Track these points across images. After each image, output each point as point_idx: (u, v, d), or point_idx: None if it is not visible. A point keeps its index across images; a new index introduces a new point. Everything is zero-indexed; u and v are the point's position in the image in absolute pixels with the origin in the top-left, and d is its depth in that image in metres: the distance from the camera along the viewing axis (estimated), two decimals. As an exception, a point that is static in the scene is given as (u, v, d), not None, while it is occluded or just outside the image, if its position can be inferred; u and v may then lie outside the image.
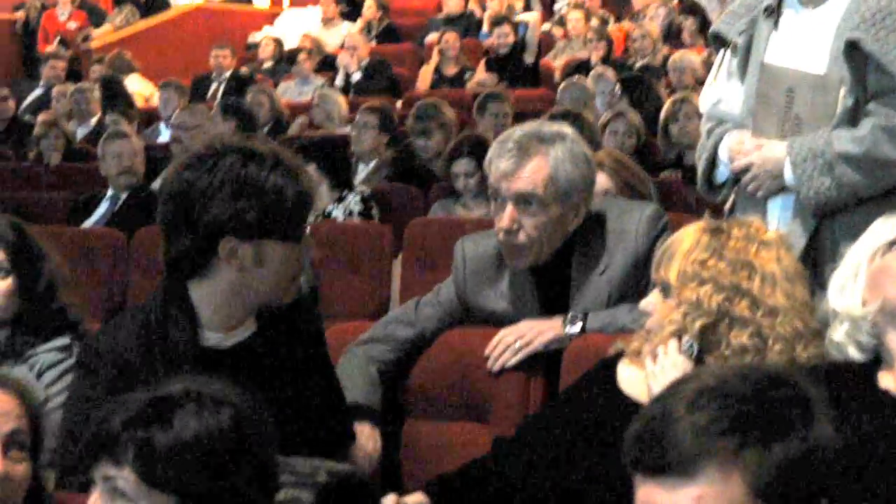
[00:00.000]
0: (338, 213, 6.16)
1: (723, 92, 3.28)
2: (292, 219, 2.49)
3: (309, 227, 2.61)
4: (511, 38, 10.82)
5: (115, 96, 9.99)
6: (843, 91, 3.05)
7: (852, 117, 3.05)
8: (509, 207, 3.07)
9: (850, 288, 2.57)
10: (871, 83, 3.03)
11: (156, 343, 2.51)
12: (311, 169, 6.12)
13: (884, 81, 3.01)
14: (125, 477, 1.84)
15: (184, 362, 2.46)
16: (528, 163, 3.07)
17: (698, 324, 2.56)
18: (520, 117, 8.60)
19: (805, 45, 3.12)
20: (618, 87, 8.47)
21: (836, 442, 1.63)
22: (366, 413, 3.02)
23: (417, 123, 7.07)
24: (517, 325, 3.11)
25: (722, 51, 3.30)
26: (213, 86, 11.12)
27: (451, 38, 10.94)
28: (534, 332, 3.08)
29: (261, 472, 1.89)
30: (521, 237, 3.08)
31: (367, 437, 2.95)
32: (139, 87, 11.39)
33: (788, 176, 3.08)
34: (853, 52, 3.02)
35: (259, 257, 2.48)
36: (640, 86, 8.38)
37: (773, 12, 3.18)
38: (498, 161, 3.09)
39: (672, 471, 1.57)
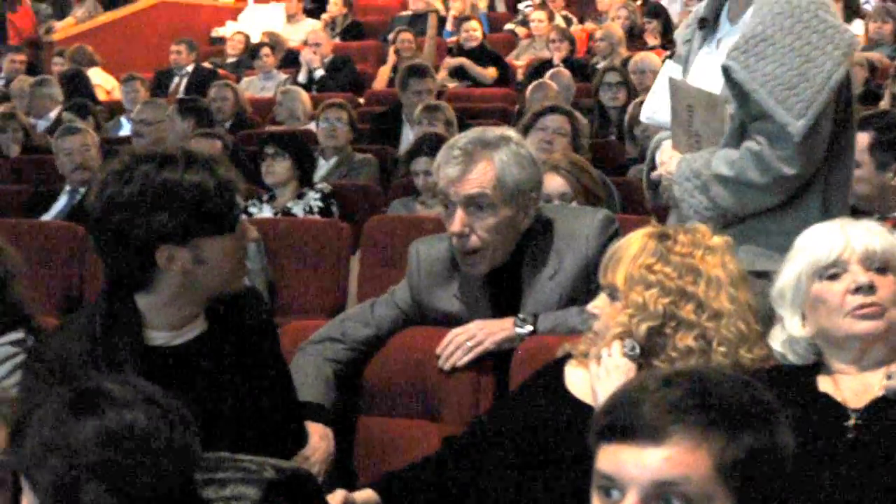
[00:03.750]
0: (297, 209, 6.19)
1: (660, 101, 3.33)
2: (219, 211, 2.48)
3: (243, 216, 2.60)
4: (479, 34, 10.84)
5: (77, 90, 9.95)
6: (730, 110, 3.09)
7: (739, 136, 3.08)
8: (459, 212, 3.11)
9: (789, 297, 2.61)
10: (748, 107, 3.05)
11: (100, 346, 2.51)
12: (287, 165, 6.18)
13: (755, 107, 3.02)
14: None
15: (128, 364, 2.47)
16: (474, 167, 3.11)
17: (644, 326, 2.60)
18: (483, 115, 8.65)
19: (717, 63, 3.15)
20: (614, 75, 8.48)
21: (793, 453, 1.68)
22: (320, 413, 3.04)
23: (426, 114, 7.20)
24: (468, 325, 3.15)
25: (666, 60, 3.36)
26: (175, 80, 11.11)
27: (407, 36, 10.97)
28: (485, 333, 3.12)
29: (167, 474, 1.87)
30: (473, 241, 3.12)
31: (320, 437, 2.97)
32: (101, 81, 11.35)
33: (676, 190, 3.15)
34: (729, 76, 3.05)
35: (198, 256, 2.48)
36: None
37: (706, 25, 3.22)
38: (445, 168, 3.13)
39: (643, 435, 1.62)
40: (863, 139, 3.85)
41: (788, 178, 3.02)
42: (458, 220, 3.11)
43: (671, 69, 3.34)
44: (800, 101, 2.95)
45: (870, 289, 2.52)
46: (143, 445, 1.83)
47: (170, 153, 2.50)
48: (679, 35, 3.34)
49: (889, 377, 2.46)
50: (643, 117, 3.45)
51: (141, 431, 1.83)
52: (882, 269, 2.56)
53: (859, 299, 2.51)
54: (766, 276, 2.76)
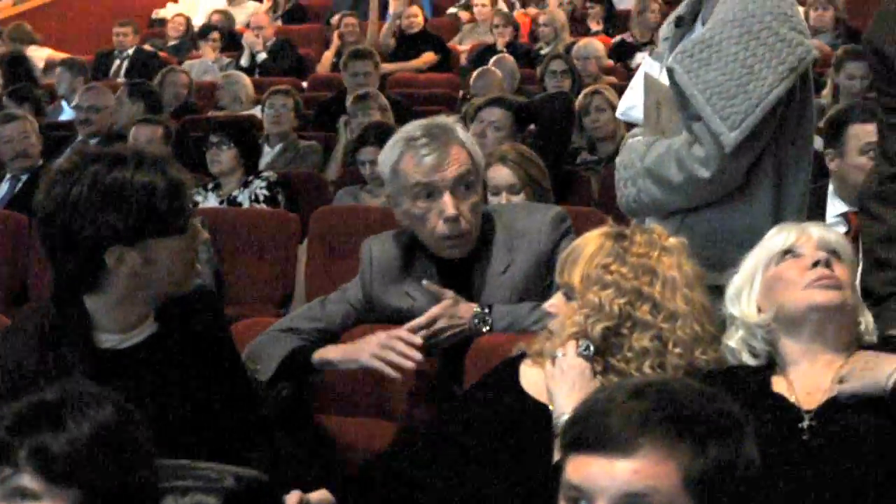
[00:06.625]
0: (243, 197, 6.15)
1: (636, 98, 3.34)
2: (170, 212, 2.46)
3: (194, 214, 2.59)
4: (420, 20, 10.80)
5: (17, 74, 9.81)
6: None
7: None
8: (447, 197, 3.11)
9: (745, 294, 2.64)
10: (688, 109, 3.02)
11: (50, 349, 2.49)
12: (232, 153, 6.13)
13: (693, 111, 3.00)
14: (26, 477, 1.90)
15: (78, 367, 2.45)
16: (450, 149, 3.13)
17: (600, 326, 2.60)
18: (426, 101, 8.64)
19: None
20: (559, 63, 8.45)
21: (758, 468, 1.69)
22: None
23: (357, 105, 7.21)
24: (431, 309, 3.11)
25: (645, 56, 3.37)
26: (116, 62, 10.98)
27: (351, 21, 10.95)
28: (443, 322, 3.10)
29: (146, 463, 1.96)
30: (463, 224, 3.13)
31: None
32: (42, 55, 11.16)
33: (615, 178, 3.16)
34: (672, 78, 3.04)
35: (147, 258, 2.46)
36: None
37: (682, 24, 3.22)
38: (419, 160, 3.12)
39: (612, 446, 1.63)
40: (871, 130, 3.77)
41: (701, 181, 2.99)
42: (450, 204, 3.10)
43: (649, 65, 3.34)
44: (735, 112, 2.92)
45: (827, 264, 2.54)
46: (114, 444, 1.86)
47: (120, 153, 2.47)
48: (661, 31, 3.35)
49: (841, 380, 2.48)
50: (618, 113, 3.46)
51: (112, 431, 1.85)
52: (836, 254, 2.58)
53: (818, 271, 2.53)
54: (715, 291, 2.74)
